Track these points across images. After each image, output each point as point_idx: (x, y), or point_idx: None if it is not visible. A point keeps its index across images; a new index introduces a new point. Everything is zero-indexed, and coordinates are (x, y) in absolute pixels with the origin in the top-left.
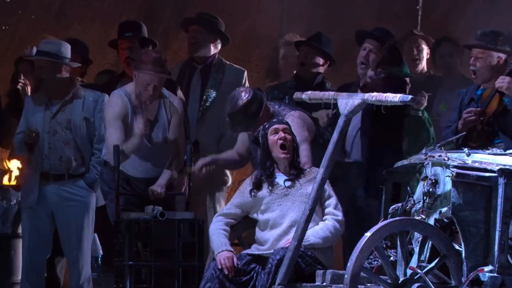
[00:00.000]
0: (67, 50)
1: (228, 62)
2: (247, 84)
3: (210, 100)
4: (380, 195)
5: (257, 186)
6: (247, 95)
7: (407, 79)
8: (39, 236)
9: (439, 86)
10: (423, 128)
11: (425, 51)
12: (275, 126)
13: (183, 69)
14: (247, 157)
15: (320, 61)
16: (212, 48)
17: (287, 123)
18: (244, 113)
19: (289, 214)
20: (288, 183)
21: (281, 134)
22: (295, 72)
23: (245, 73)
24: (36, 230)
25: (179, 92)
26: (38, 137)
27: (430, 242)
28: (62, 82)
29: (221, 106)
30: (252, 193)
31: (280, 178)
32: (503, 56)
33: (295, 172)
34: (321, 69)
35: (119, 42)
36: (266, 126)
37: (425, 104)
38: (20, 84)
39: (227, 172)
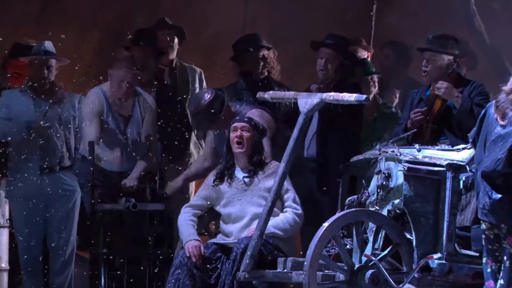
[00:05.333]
0: None
1: (186, 64)
2: (204, 83)
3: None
4: (336, 188)
5: (219, 177)
6: (209, 95)
7: (374, 78)
8: (33, 225)
9: (385, 88)
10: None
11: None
12: (235, 124)
13: None
14: (216, 159)
15: None
16: (176, 50)
17: (248, 121)
18: (207, 112)
19: (249, 208)
20: (247, 180)
21: (238, 132)
22: (240, 71)
23: (202, 72)
24: (29, 219)
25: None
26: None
27: (384, 231)
28: (54, 80)
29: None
30: (215, 183)
31: (240, 174)
32: (452, 58)
33: (254, 168)
34: None
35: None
36: (231, 123)
37: (397, 100)
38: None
39: None
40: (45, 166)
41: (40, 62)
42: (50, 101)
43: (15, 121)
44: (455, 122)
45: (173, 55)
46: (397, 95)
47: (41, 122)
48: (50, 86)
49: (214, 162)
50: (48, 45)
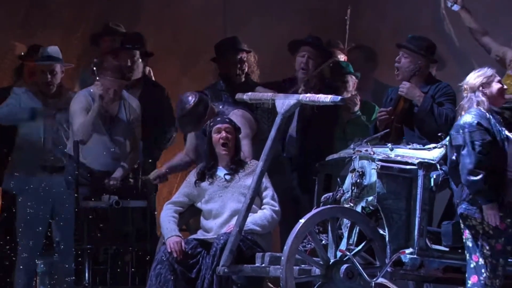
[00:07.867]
0: None
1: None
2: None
3: None
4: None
5: (201, 177)
6: (193, 99)
7: (353, 79)
8: (38, 224)
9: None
10: (365, 128)
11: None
12: (218, 125)
13: None
14: (197, 154)
15: None
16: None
17: (230, 122)
18: (191, 115)
19: (229, 204)
20: (228, 177)
21: (223, 133)
22: (220, 72)
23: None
24: (35, 218)
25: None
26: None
27: (358, 227)
28: (62, 83)
29: None
30: (196, 183)
31: (221, 172)
32: (420, 61)
33: (235, 166)
34: None
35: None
36: (211, 123)
37: (358, 103)
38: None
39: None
40: (56, 165)
41: (43, 67)
42: (58, 103)
43: (23, 120)
44: (416, 121)
45: None
46: (358, 99)
47: (49, 124)
48: (58, 89)
49: (195, 157)
50: (52, 50)
